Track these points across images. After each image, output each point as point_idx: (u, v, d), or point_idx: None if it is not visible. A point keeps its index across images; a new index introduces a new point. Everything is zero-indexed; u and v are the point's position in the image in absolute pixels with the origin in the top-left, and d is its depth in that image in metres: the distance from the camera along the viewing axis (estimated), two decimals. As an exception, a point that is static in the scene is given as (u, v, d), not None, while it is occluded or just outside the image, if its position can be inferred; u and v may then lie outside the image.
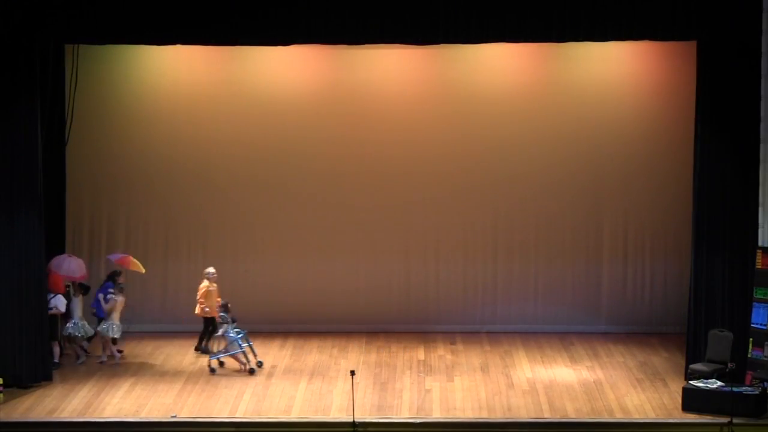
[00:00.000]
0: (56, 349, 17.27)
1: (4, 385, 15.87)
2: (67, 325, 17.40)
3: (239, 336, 17.08)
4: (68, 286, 17.60)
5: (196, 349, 18.00)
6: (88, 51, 18.51)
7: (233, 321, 17.15)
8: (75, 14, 15.99)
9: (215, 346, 17.40)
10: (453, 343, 18.77)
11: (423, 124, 19.24)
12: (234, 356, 17.08)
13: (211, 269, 17.89)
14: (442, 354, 18.16)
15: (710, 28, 15.98)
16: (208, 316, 17.80)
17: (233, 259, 19.38)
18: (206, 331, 17.95)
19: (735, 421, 14.45)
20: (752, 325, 16.04)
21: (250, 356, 17.17)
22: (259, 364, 17.19)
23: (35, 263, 16.42)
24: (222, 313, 17.18)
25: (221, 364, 17.18)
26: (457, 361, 17.76)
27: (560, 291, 19.47)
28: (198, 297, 17.76)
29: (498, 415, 15.20)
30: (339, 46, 17.82)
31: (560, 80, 19.13)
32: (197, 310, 17.82)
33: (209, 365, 17.08)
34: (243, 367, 17.02)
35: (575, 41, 16.70)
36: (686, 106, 17.37)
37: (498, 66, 19.08)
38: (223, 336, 17.13)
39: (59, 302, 17.22)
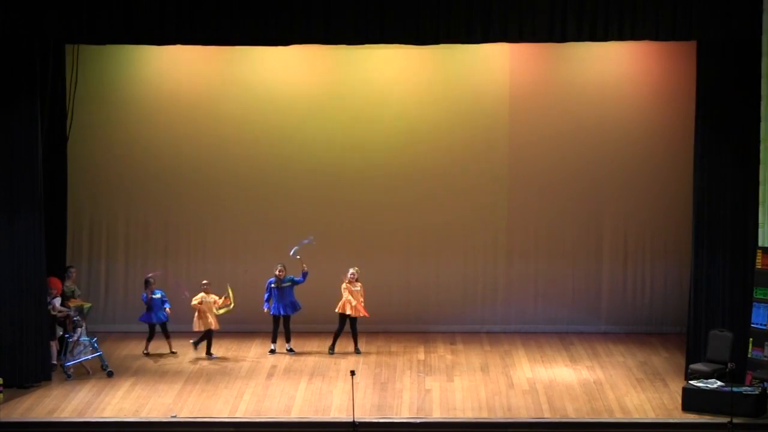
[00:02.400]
0: (54, 350, 17.27)
1: (4, 385, 15.85)
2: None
3: (94, 340, 17.04)
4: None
5: (331, 349, 18.14)
6: (88, 51, 18.51)
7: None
8: (75, 14, 15.97)
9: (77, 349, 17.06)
10: (453, 343, 18.78)
11: (422, 124, 19.24)
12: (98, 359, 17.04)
13: (351, 270, 18.03)
14: (442, 354, 18.16)
15: (710, 28, 15.97)
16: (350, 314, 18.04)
17: (233, 259, 19.39)
18: (344, 329, 18.13)
19: (735, 421, 14.42)
20: (752, 325, 16.03)
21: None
22: (106, 368, 16.97)
23: (35, 263, 16.41)
24: (76, 317, 17.05)
25: (85, 368, 16.98)
26: (457, 361, 17.76)
27: (560, 291, 19.48)
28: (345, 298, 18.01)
29: (498, 415, 15.20)
30: (339, 46, 17.81)
31: (560, 80, 19.14)
32: (353, 311, 18.00)
33: (66, 372, 16.74)
34: (90, 371, 16.91)
35: (575, 41, 16.68)
36: (686, 106, 17.38)
37: (498, 66, 19.09)
38: (78, 340, 16.93)
39: (58, 302, 17.25)
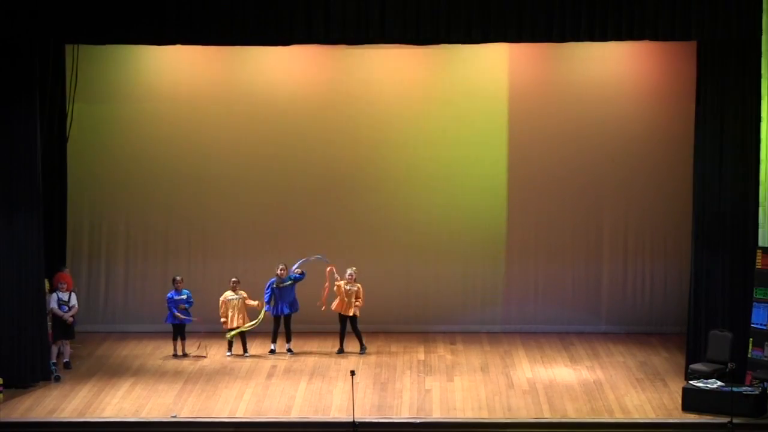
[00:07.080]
0: (68, 349, 17.26)
1: (4, 385, 15.85)
2: None
3: None
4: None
5: (339, 352, 18.16)
6: (88, 51, 18.51)
7: None
8: (75, 14, 15.96)
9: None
10: (453, 343, 18.79)
11: (422, 124, 19.25)
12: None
13: (349, 270, 18.04)
14: (442, 354, 18.16)
15: (710, 28, 15.97)
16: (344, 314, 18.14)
17: (233, 259, 19.38)
18: (346, 329, 18.20)
19: (735, 421, 14.43)
20: (752, 325, 16.03)
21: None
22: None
23: (35, 263, 16.42)
24: None
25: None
26: (457, 361, 17.76)
27: (560, 291, 19.48)
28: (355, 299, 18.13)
29: (498, 415, 15.20)
30: (339, 46, 17.82)
31: (560, 80, 19.14)
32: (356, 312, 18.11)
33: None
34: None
35: (575, 41, 16.68)
36: (686, 106, 17.39)
37: (498, 66, 19.10)
38: None
39: (74, 300, 17.26)
